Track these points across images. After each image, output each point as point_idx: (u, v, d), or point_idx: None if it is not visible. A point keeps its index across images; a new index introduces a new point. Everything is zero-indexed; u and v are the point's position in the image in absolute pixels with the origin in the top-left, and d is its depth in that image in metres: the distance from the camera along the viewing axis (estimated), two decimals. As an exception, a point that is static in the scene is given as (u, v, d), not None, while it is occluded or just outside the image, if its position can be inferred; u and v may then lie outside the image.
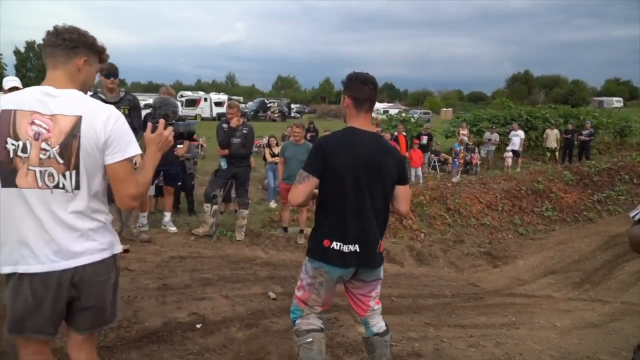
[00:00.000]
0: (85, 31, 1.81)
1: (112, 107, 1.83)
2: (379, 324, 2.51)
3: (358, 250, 2.27)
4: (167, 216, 5.95)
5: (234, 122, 5.78)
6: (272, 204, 9.02)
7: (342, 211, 2.26)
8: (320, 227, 2.33)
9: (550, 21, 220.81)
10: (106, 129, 1.73)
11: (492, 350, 3.64)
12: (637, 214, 1.58)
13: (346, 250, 2.26)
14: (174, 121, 2.51)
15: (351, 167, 2.22)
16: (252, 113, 36.80)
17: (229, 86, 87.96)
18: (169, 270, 4.55)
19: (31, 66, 55.46)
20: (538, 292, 6.61)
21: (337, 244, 2.26)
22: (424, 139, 13.45)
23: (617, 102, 50.87)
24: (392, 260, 7.39)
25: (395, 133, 12.51)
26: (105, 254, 1.82)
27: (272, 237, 6.51)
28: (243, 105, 37.84)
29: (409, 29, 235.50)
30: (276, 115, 39.92)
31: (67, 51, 1.76)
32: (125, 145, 1.77)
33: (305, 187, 2.24)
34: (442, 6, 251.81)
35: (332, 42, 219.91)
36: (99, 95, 4.82)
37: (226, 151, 5.79)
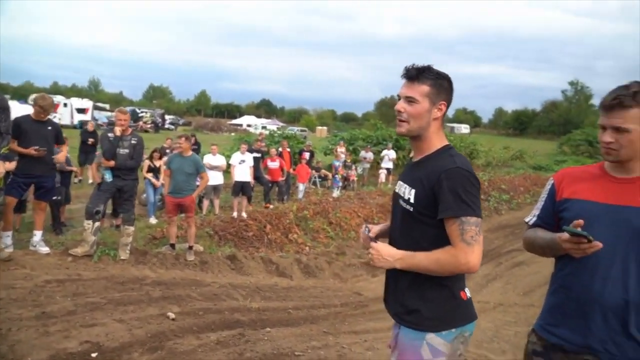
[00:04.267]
0: None
1: None
2: None
3: None
4: (38, 235, 5.27)
5: (119, 131, 5.41)
6: (153, 220, 8.54)
7: None
8: (448, 279, 1.68)
9: (411, 53, 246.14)
10: None
11: (387, 352, 3.97)
12: (530, 219, 1.79)
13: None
14: None
15: None
16: (121, 122, 34.03)
17: (92, 92, 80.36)
18: (45, 296, 4.06)
19: None
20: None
21: (468, 290, 1.77)
22: (307, 156, 13.92)
23: (464, 128, 58.57)
24: (282, 274, 7.52)
25: (280, 149, 12.76)
26: None
27: (159, 255, 6.16)
28: (110, 113, 34.92)
29: (288, 47, 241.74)
30: (149, 125, 37.60)
31: None
32: None
33: (481, 240, 1.62)
34: (321, 29, 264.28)
35: (209, 54, 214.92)
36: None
37: (112, 162, 5.38)
